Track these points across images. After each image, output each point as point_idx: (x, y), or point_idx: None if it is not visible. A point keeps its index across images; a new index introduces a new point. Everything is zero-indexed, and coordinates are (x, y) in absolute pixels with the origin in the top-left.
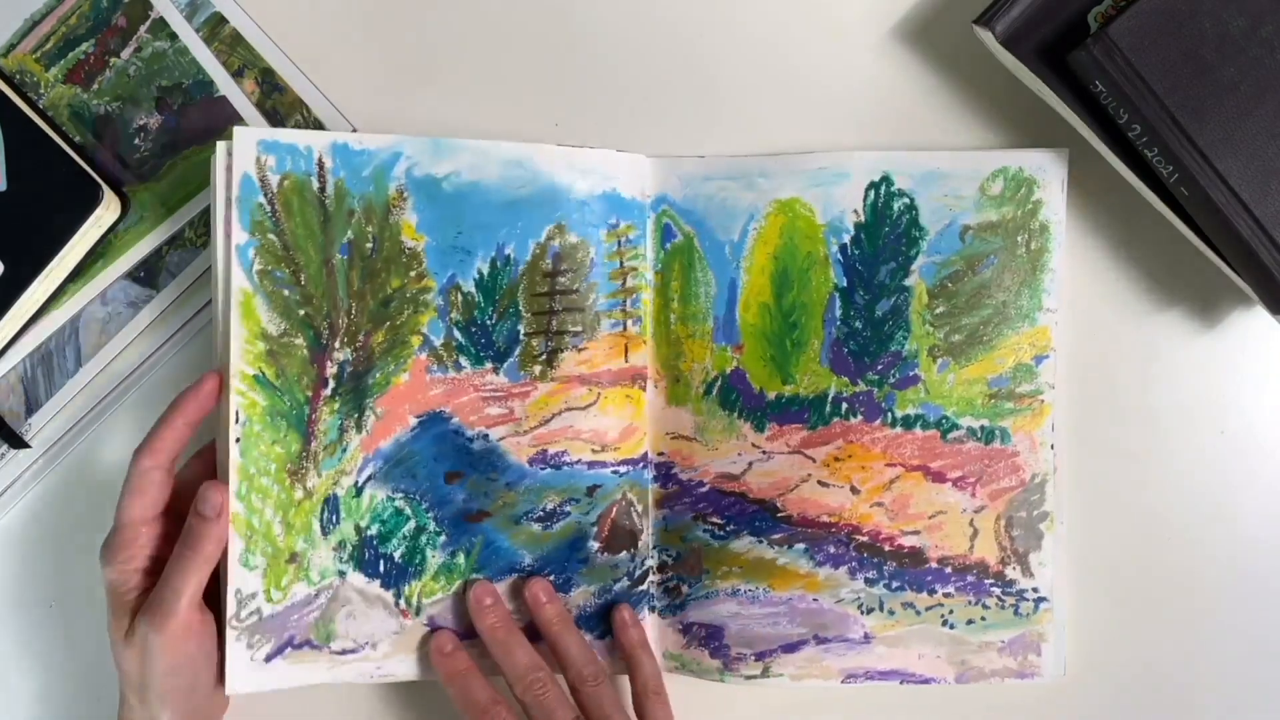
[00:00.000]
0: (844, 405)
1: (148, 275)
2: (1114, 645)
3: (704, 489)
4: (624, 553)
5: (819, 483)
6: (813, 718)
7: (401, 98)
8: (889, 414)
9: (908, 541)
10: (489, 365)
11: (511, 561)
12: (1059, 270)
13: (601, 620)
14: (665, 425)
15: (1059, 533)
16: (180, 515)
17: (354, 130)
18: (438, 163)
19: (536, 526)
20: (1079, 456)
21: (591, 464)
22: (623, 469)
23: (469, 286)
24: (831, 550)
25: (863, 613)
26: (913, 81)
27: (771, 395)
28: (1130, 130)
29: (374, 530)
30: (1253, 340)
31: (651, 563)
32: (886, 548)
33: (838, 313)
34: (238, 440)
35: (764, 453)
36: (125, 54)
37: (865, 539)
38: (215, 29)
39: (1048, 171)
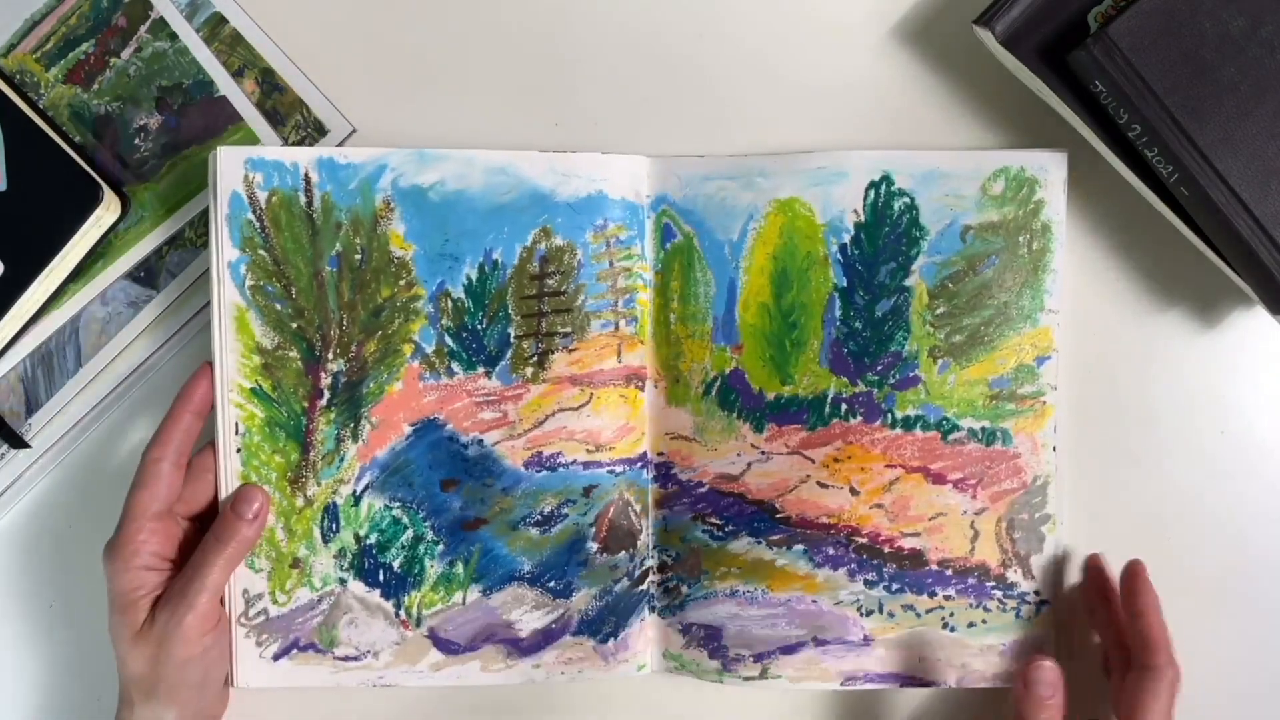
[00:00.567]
0: (843, 406)
1: (148, 275)
2: None
3: (703, 489)
4: (623, 553)
5: (818, 484)
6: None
7: (401, 98)
8: (889, 415)
9: (907, 543)
10: (481, 370)
11: (510, 569)
12: (1061, 271)
13: (604, 622)
14: (665, 425)
15: (1061, 535)
16: (189, 518)
17: (353, 130)
18: (423, 172)
19: (534, 531)
20: (1078, 457)
21: (587, 464)
22: (619, 469)
23: (458, 293)
24: (830, 551)
25: (862, 615)
26: (913, 81)
27: (771, 396)
28: (1130, 130)
29: (373, 539)
30: (1253, 340)
31: (651, 563)
32: (886, 549)
33: (837, 313)
34: (238, 450)
35: (763, 453)
36: (125, 54)
37: (864, 540)
38: (215, 29)
39: (1049, 172)
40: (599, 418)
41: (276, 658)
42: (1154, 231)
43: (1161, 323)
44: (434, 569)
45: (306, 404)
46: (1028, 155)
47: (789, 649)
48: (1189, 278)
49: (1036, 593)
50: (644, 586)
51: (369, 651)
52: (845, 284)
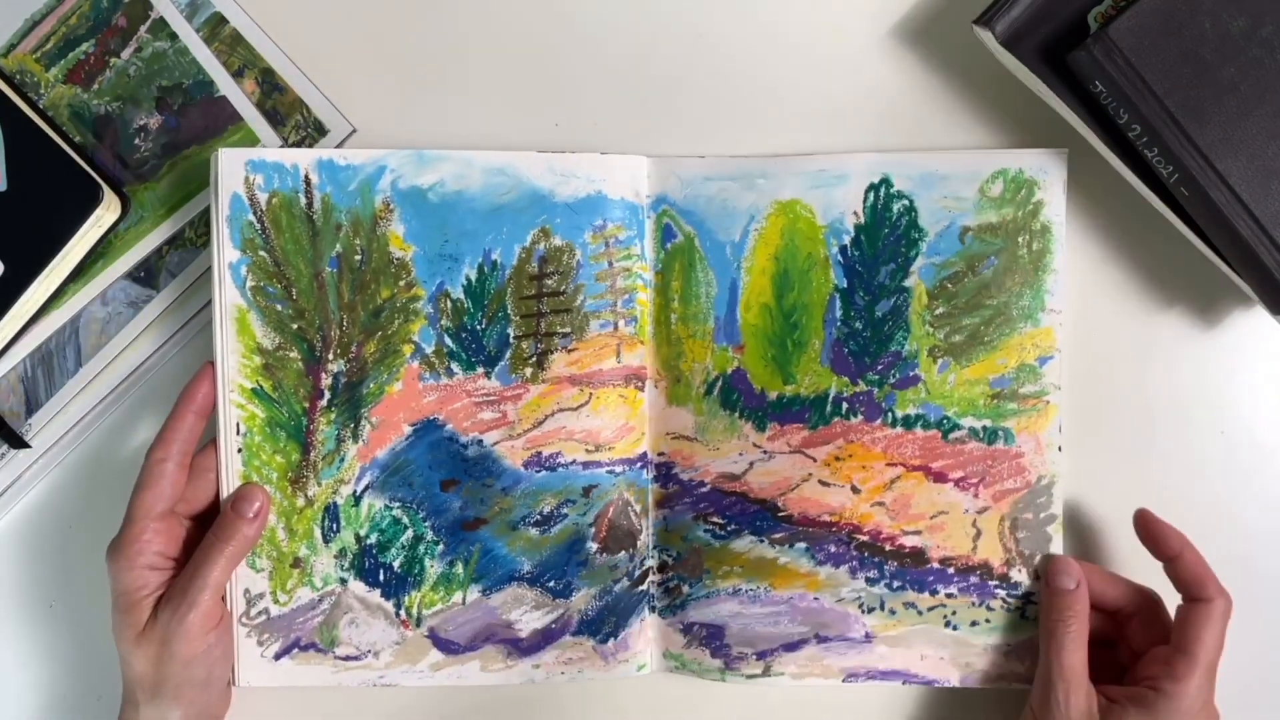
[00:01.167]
0: (844, 405)
1: (148, 275)
2: None
3: (705, 489)
4: (623, 553)
5: (820, 482)
6: (823, 709)
7: (401, 98)
8: (889, 414)
9: (909, 541)
10: (480, 370)
11: (510, 569)
12: (1063, 271)
13: (604, 622)
14: (666, 425)
15: (1066, 535)
16: (191, 517)
17: (353, 131)
18: (422, 174)
19: (534, 531)
20: (1078, 456)
21: (586, 464)
22: (619, 469)
23: (458, 293)
24: (832, 549)
25: (864, 612)
26: (913, 82)
27: (772, 395)
28: (1130, 130)
29: (373, 539)
30: (1253, 340)
31: (651, 563)
32: (887, 547)
33: (838, 313)
34: (239, 450)
35: (765, 452)
36: (125, 54)
37: (866, 538)
38: (215, 29)
39: (1049, 173)
40: (598, 418)
41: (278, 657)
42: (1154, 231)
43: (1161, 322)
44: (434, 569)
45: (307, 404)
46: (1027, 156)
47: (791, 646)
48: (1189, 278)
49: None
50: (644, 586)
51: (369, 651)
52: (846, 285)
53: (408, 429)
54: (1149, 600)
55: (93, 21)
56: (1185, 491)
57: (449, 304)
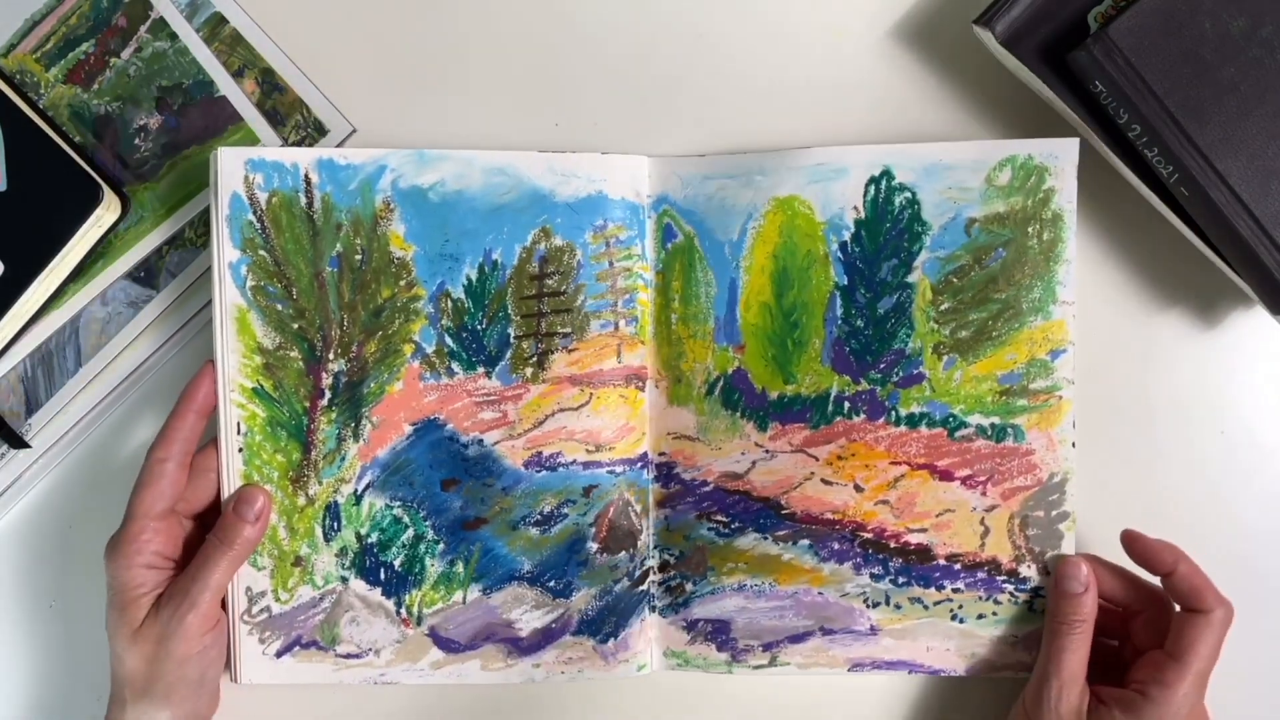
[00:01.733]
0: (846, 405)
1: (148, 275)
2: None
3: (707, 488)
4: (623, 553)
5: (822, 481)
6: (821, 710)
7: (401, 98)
8: (892, 412)
9: (914, 539)
10: (481, 370)
11: (510, 569)
12: (1075, 260)
13: (604, 622)
14: (667, 425)
15: (1079, 533)
16: (191, 517)
17: (353, 130)
18: (422, 173)
19: (534, 531)
20: (1078, 456)
21: (587, 464)
22: (619, 469)
23: (458, 293)
24: (836, 546)
25: (869, 606)
26: (913, 82)
27: (774, 395)
28: (1130, 130)
29: (374, 538)
30: (1253, 340)
31: (652, 562)
32: (892, 544)
33: (839, 311)
34: (240, 450)
35: (767, 452)
36: (125, 54)
37: (870, 536)
38: (215, 29)
39: (1059, 159)
40: (599, 418)
41: (279, 655)
42: (1154, 231)
43: (1161, 322)
44: (434, 568)
45: (308, 404)
46: (1035, 143)
47: (796, 638)
48: (1189, 278)
49: None
50: (644, 586)
51: (370, 649)
52: (846, 282)
53: (408, 428)
54: (1156, 601)
55: (93, 21)
56: (1185, 491)
57: (449, 304)
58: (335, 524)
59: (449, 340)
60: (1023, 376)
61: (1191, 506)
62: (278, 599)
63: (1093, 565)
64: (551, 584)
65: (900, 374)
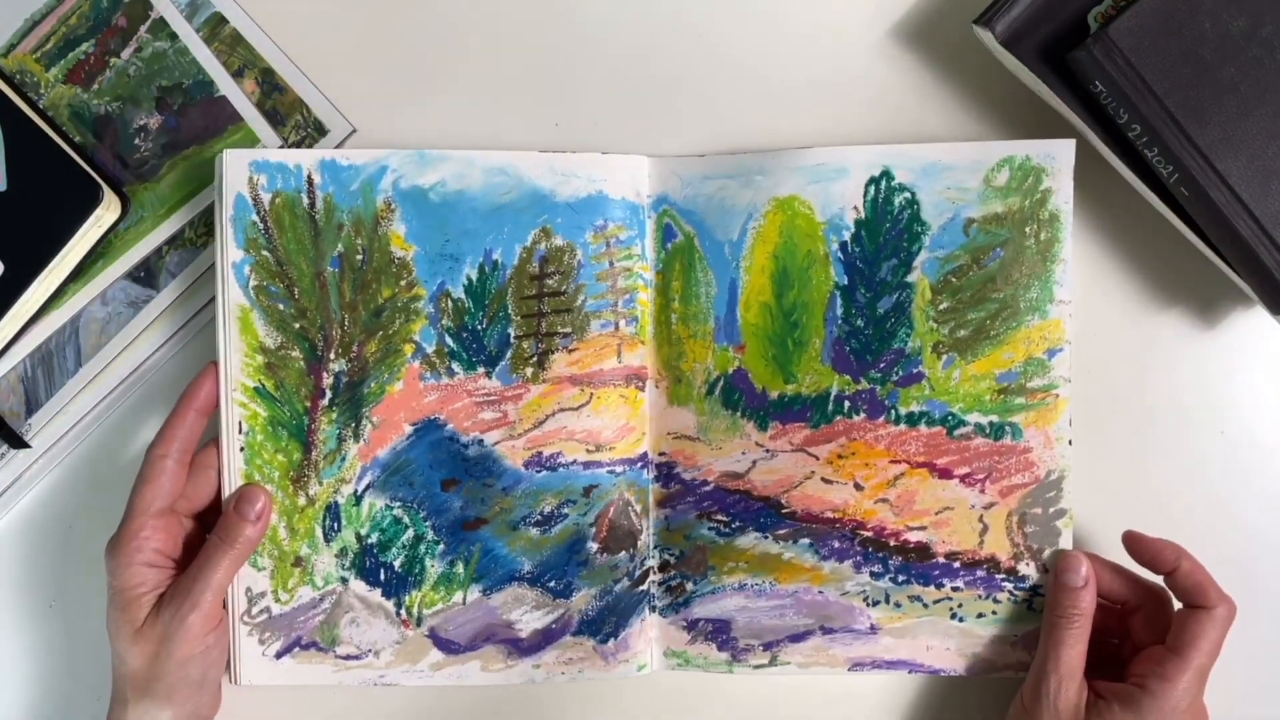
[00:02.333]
0: (846, 404)
1: (148, 275)
2: None
3: (708, 488)
4: (623, 553)
5: (822, 480)
6: (821, 710)
7: (401, 98)
8: (892, 411)
9: (914, 537)
10: (481, 370)
11: (511, 569)
12: (1071, 261)
13: (604, 622)
14: (667, 425)
15: (1076, 529)
16: (191, 515)
17: (353, 130)
18: (423, 174)
19: (534, 531)
20: (1077, 455)
21: (587, 464)
22: (619, 469)
23: (459, 293)
24: (836, 545)
25: (869, 605)
26: (913, 82)
27: (774, 394)
28: (1130, 130)
29: (374, 539)
30: (1253, 340)
31: (652, 562)
32: (892, 543)
33: (839, 311)
34: (242, 449)
35: (767, 451)
36: (125, 54)
37: (870, 534)
38: (215, 29)
39: (1056, 159)
40: (599, 418)
41: (279, 656)
42: (1154, 231)
43: (1161, 322)
44: (434, 568)
45: (309, 403)
46: (1033, 144)
47: (797, 637)
48: (1189, 278)
49: None
50: (644, 586)
51: (370, 650)
52: (846, 282)
53: (409, 428)
54: (1155, 597)
55: (93, 21)
56: (1185, 491)
57: (450, 304)
58: (335, 524)
59: (449, 340)
60: (1020, 375)
61: (1191, 506)
62: (278, 599)
63: (1091, 562)
64: (551, 584)
65: (900, 373)
